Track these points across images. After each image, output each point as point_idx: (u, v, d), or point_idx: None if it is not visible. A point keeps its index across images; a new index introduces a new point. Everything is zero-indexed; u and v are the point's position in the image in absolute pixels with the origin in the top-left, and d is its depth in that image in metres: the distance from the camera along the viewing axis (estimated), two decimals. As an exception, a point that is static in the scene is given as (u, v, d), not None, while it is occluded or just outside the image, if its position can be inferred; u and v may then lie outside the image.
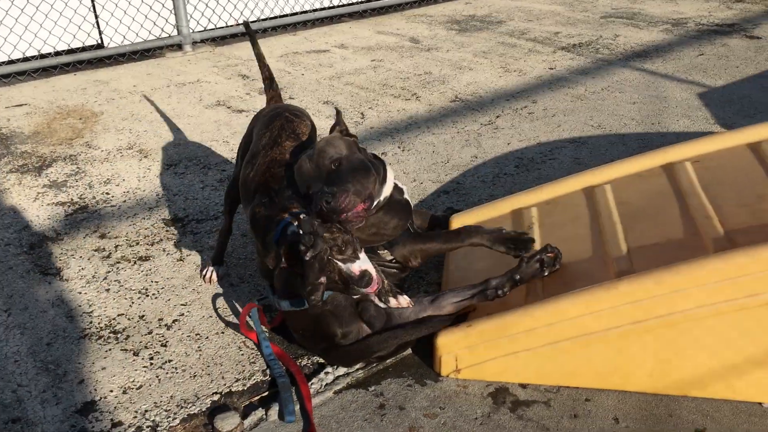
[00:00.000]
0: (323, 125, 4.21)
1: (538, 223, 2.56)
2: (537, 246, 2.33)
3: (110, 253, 2.97)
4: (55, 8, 5.40)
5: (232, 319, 2.55)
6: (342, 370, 2.27)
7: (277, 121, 2.54)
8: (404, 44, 5.94)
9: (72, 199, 3.44)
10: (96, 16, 5.63)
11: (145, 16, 5.81)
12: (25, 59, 5.40)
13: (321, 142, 2.23)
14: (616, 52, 5.41)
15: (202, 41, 6.14)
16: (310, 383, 2.22)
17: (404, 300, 2.20)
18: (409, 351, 2.35)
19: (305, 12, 6.63)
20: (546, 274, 2.22)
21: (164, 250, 2.98)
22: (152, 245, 3.02)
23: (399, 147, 3.89)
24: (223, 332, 2.48)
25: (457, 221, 2.82)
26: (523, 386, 2.17)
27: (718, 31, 5.84)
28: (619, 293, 1.99)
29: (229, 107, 4.61)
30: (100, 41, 5.71)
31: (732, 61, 5.06)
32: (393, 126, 4.20)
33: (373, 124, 4.23)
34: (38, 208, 3.36)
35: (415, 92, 4.74)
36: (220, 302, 2.64)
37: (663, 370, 2.04)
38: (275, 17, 6.49)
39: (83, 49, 5.62)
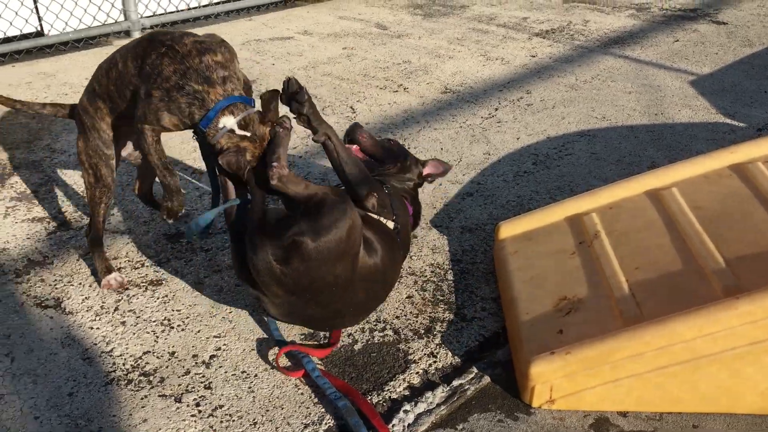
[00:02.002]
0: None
1: (604, 230, 2.39)
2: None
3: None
4: (-12, -9, 4.81)
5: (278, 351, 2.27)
6: (422, 407, 2.04)
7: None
8: (372, 30, 5.66)
9: (49, 214, 3.03)
10: (35, 1, 5.06)
11: (90, 1, 5.28)
12: (-45, 49, 4.80)
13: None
14: (592, 39, 5.33)
15: (152, 27, 5.65)
16: (390, 425, 1.98)
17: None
18: (488, 380, 2.15)
19: (260, -5, 6.23)
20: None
21: (177, 272, 2.65)
22: (160, 266, 2.68)
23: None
24: (272, 368, 2.20)
25: (506, 230, 2.63)
26: (623, 414, 2.01)
27: (684, 17, 5.87)
28: (738, 313, 1.85)
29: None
30: (39, 28, 5.15)
31: (709, 47, 5.07)
32: (389, 121, 3.95)
33: (366, 119, 3.97)
34: (12, 226, 2.93)
35: (401, 83, 4.50)
36: (259, 331, 2.35)
37: (776, 390, 1.92)
38: (228, 1, 6.06)
39: (22, 37, 5.04)
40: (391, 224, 2.32)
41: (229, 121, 2.10)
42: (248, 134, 2.12)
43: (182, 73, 2.08)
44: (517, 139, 3.70)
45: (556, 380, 1.98)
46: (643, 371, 1.94)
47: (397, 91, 4.38)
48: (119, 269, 2.65)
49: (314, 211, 2.01)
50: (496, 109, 4.08)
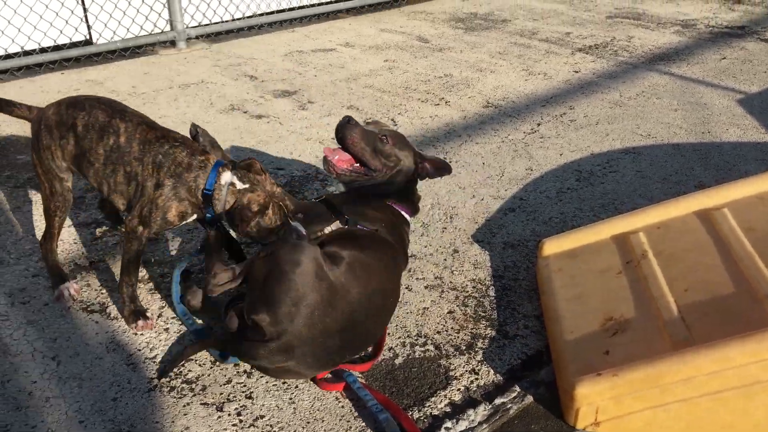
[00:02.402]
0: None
1: (652, 250, 2.35)
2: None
3: (158, 284, 2.63)
4: (41, 1, 4.93)
5: (321, 363, 2.26)
6: (464, 424, 2.02)
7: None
8: (413, 43, 5.68)
9: (96, 219, 3.08)
10: (85, 10, 5.18)
11: (137, 10, 5.40)
12: (8, 56, 4.93)
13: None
14: (636, 55, 5.27)
15: (197, 37, 5.75)
16: (432, 442, 1.96)
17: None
18: (531, 399, 2.12)
19: (304, 7, 6.29)
20: None
21: (219, 280, 2.66)
22: (201, 273, 2.70)
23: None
24: (314, 379, 2.19)
25: (550, 246, 2.59)
26: (671, 439, 1.96)
27: (730, 34, 5.77)
28: (795, 340, 1.79)
29: (245, 112, 4.27)
30: (88, 37, 5.27)
31: (757, 65, 4.97)
32: (430, 134, 3.94)
33: (408, 132, 3.97)
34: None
35: (443, 96, 4.49)
36: (300, 342, 2.35)
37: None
38: (272, 12, 6.14)
39: (71, 45, 5.17)
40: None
41: (227, 176, 2.24)
42: (247, 186, 2.26)
43: (191, 154, 2.26)
44: (560, 155, 3.66)
45: (602, 402, 1.94)
46: (694, 396, 1.89)
47: (438, 104, 4.37)
48: (163, 277, 2.68)
49: (259, 285, 2.06)
50: (539, 125, 4.05)
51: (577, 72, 4.92)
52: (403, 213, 2.51)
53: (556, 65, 5.07)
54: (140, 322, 2.37)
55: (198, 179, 2.23)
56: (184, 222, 2.33)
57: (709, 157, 3.59)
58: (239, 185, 2.25)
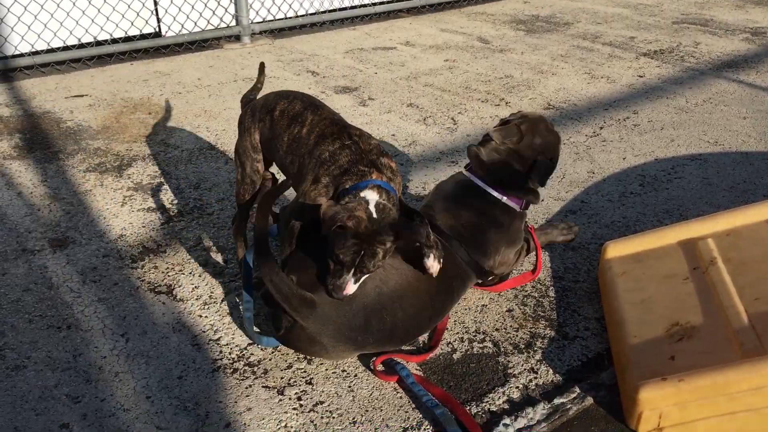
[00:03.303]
0: (412, 129, 3.97)
1: (721, 257, 2.30)
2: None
3: (222, 270, 2.70)
4: (114, -7, 5.10)
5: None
6: (522, 422, 2.02)
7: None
8: (474, 44, 5.66)
9: (163, 205, 3.17)
10: (155, 3, 5.33)
11: (205, 5, 5.52)
12: (81, 46, 5.10)
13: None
14: (703, 61, 5.15)
15: (261, 33, 5.85)
16: (490, 437, 1.96)
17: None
18: (591, 401, 2.10)
19: (365, 6, 6.34)
20: None
21: (281, 268, 2.71)
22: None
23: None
24: (371, 368, 2.22)
25: (614, 250, 2.56)
26: (736, 449, 1.92)
27: (803, 42, 5.59)
28: None
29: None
30: (158, 29, 5.42)
31: (831, 75, 4.81)
32: (491, 134, 3.93)
33: (467, 131, 3.96)
34: (129, 215, 3.08)
35: (503, 97, 4.48)
36: (360, 333, 2.37)
37: None
38: (334, 10, 6.20)
39: (141, 37, 5.32)
40: None
41: (372, 196, 2.03)
42: (375, 216, 2.00)
43: (355, 160, 2.12)
44: (623, 159, 3.61)
45: (666, 408, 1.91)
46: (762, 406, 1.85)
47: (498, 104, 4.35)
48: (227, 263, 2.74)
49: None
50: (601, 128, 4.00)
51: (641, 77, 4.84)
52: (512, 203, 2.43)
53: (620, 69, 5.00)
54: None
55: (348, 182, 2.08)
56: None
57: (779, 166, 3.49)
58: (371, 208, 2.01)
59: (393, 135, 3.91)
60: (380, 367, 2.22)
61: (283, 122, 2.33)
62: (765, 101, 4.35)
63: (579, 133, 3.93)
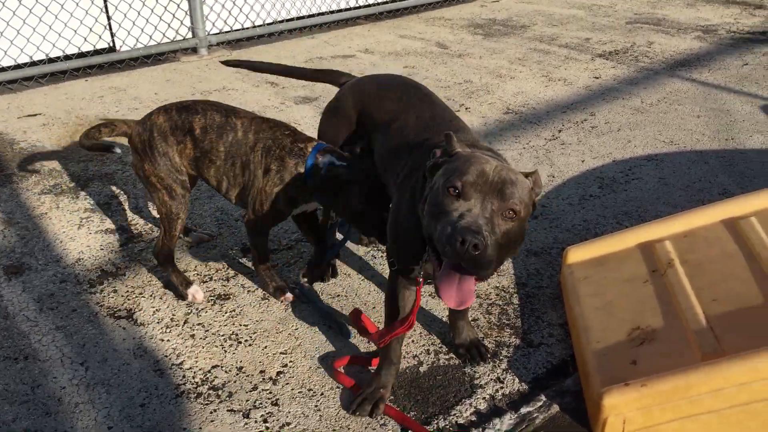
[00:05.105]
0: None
1: (679, 259, 2.34)
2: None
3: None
4: (65, 9, 4.99)
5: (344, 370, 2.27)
6: (490, 434, 2.02)
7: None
8: (432, 50, 5.68)
9: (122, 226, 3.11)
10: (108, 17, 5.24)
11: (160, 18, 5.45)
12: (33, 63, 4.99)
13: (506, 169, 1.71)
14: (657, 61, 5.24)
15: (218, 44, 5.80)
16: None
17: None
18: (557, 408, 2.12)
19: (323, 14, 6.32)
20: None
21: (243, 287, 2.68)
22: (228, 281, 2.72)
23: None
24: (338, 387, 2.20)
25: (575, 254, 2.59)
26: (700, 450, 1.95)
27: (752, 39, 5.73)
28: (826, 351, 1.77)
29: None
30: (112, 44, 5.33)
31: (780, 71, 4.93)
32: (451, 141, 3.94)
33: (428, 139, 3.97)
34: (86, 237, 3.02)
35: (462, 102, 4.50)
36: (325, 348, 2.36)
37: None
38: (292, 19, 6.17)
39: (95, 52, 5.23)
40: None
41: (326, 158, 2.32)
42: (346, 163, 2.32)
43: (294, 140, 2.39)
44: (582, 161, 3.65)
45: (629, 413, 1.93)
46: (723, 407, 1.88)
47: (458, 110, 4.37)
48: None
49: None
50: (560, 131, 4.04)
51: (597, 78, 4.91)
52: None
53: (577, 71, 5.06)
54: (288, 294, 2.56)
55: (299, 166, 2.33)
56: (296, 210, 2.46)
57: (733, 164, 3.56)
58: (337, 162, 2.31)
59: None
60: (341, 370, 2.22)
61: (210, 137, 2.41)
62: (717, 99, 4.44)
63: (538, 137, 3.96)
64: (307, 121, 4.22)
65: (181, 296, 2.59)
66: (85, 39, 5.16)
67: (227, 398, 2.16)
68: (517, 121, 4.19)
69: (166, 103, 2.57)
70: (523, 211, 1.69)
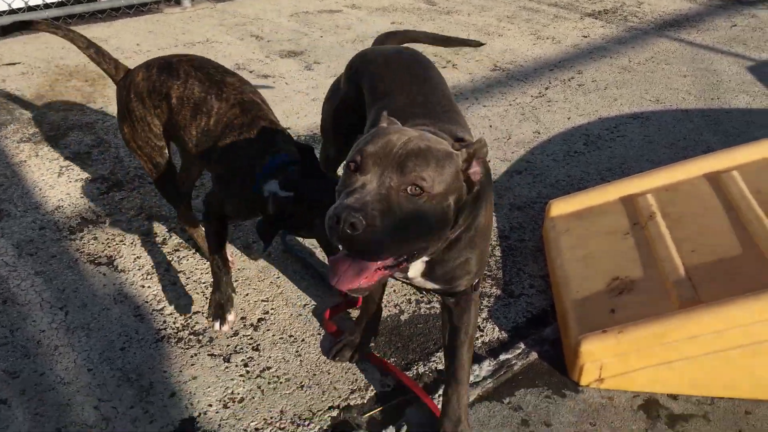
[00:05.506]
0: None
1: (660, 212, 2.35)
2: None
3: (165, 239, 2.64)
4: (45, -45, 4.86)
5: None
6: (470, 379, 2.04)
7: None
8: (420, 6, 5.60)
9: (103, 175, 3.07)
10: (89, -34, 5.10)
11: (142, -33, 5.31)
12: (12, 11, 4.87)
13: (419, 140, 1.46)
14: (646, 21, 5.21)
15: (202, -4, 5.68)
16: (436, 396, 1.98)
17: None
18: (535, 356, 2.14)
19: (310, -33, 6.18)
20: None
21: (225, 236, 2.66)
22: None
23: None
24: (319, 334, 2.21)
25: (558, 208, 2.59)
26: (674, 397, 1.98)
27: (741, 2, 5.70)
28: (801, 300, 1.80)
29: (251, 72, 4.23)
30: (93, -7, 5.20)
31: (767, 33, 4.91)
32: (438, 96, 3.91)
33: (414, 94, 3.93)
34: (66, 185, 2.98)
35: (450, 59, 4.45)
36: (306, 297, 2.36)
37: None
38: (278, -28, 6.04)
39: (76, 1, 5.10)
40: None
41: (271, 186, 1.95)
42: (292, 194, 1.92)
43: (262, 151, 2.04)
44: (568, 119, 3.64)
45: (606, 359, 1.96)
46: (698, 354, 1.90)
47: (445, 67, 4.33)
48: (170, 232, 2.68)
49: None
50: (547, 89, 4.02)
51: (585, 37, 4.87)
52: None
53: (565, 30, 5.02)
54: (219, 327, 2.09)
55: (246, 185, 2.00)
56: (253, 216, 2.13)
57: (718, 123, 3.57)
58: (282, 194, 1.94)
59: (339, 99, 3.85)
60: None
61: (185, 113, 2.13)
62: (705, 59, 4.43)
63: (525, 94, 3.94)
64: (293, 75, 4.16)
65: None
66: (66, -13, 5.03)
67: (208, 343, 2.16)
68: (504, 78, 4.16)
69: (151, 57, 2.39)
70: (436, 188, 1.41)
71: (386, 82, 1.98)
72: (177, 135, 2.19)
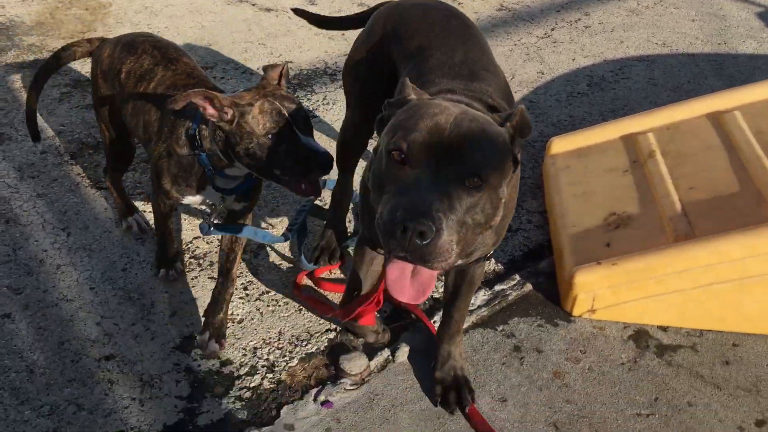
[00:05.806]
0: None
1: (660, 150, 2.35)
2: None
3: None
4: None
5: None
6: (463, 307, 2.08)
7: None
8: (428, -57, 5.48)
9: (103, 102, 3.06)
10: None
11: None
12: (10, -63, 4.76)
13: (469, 120, 1.30)
14: (657, -36, 5.10)
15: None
16: (432, 321, 2.02)
17: None
18: (530, 287, 2.17)
19: None
20: None
21: (226, 165, 2.67)
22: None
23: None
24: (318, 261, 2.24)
25: (558, 145, 2.60)
26: (663, 329, 2.03)
27: (756, -53, 5.57)
28: (794, 235, 1.82)
29: (254, 5, 4.17)
30: None
31: (780, -20, 4.83)
32: (442, 34, 3.87)
33: (419, 31, 3.89)
34: (67, 111, 2.97)
35: (456, -3, 4.38)
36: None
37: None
38: None
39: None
40: None
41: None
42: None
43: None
44: (573, 60, 3.61)
45: (599, 290, 1.99)
46: (688, 287, 1.94)
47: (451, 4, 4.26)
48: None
49: None
50: (553, 29, 3.97)
51: (595, -21, 4.77)
52: None
53: (574, -29, 4.92)
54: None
55: (187, 126, 1.80)
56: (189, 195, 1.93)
57: (723, 67, 3.54)
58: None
59: (343, 35, 3.81)
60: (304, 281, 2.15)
61: (131, 83, 1.98)
62: (714, 4, 4.36)
63: (530, 35, 3.89)
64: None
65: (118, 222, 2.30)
66: None
67: (208, 266, 2.20)
68: (510, 18, 4.10)
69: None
70: (493, 176, 1.26)
71: (421, 36, 1.78)
72: (122, 106, 2.04)
